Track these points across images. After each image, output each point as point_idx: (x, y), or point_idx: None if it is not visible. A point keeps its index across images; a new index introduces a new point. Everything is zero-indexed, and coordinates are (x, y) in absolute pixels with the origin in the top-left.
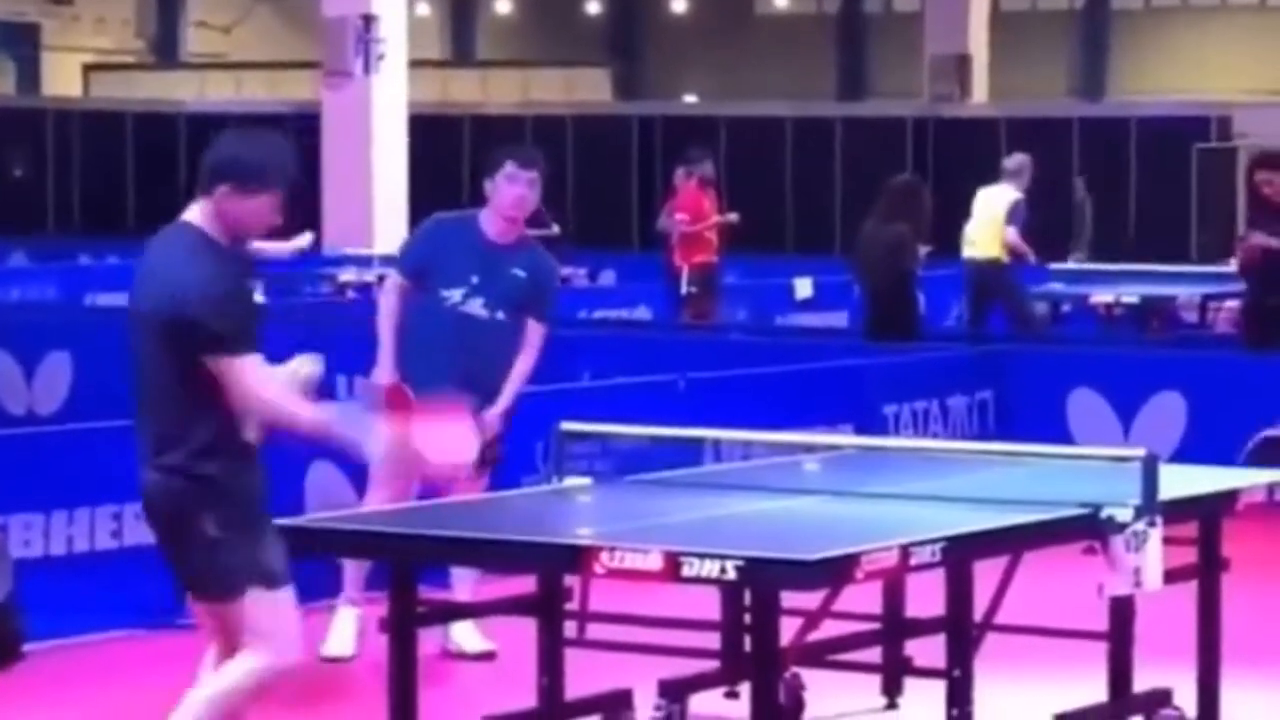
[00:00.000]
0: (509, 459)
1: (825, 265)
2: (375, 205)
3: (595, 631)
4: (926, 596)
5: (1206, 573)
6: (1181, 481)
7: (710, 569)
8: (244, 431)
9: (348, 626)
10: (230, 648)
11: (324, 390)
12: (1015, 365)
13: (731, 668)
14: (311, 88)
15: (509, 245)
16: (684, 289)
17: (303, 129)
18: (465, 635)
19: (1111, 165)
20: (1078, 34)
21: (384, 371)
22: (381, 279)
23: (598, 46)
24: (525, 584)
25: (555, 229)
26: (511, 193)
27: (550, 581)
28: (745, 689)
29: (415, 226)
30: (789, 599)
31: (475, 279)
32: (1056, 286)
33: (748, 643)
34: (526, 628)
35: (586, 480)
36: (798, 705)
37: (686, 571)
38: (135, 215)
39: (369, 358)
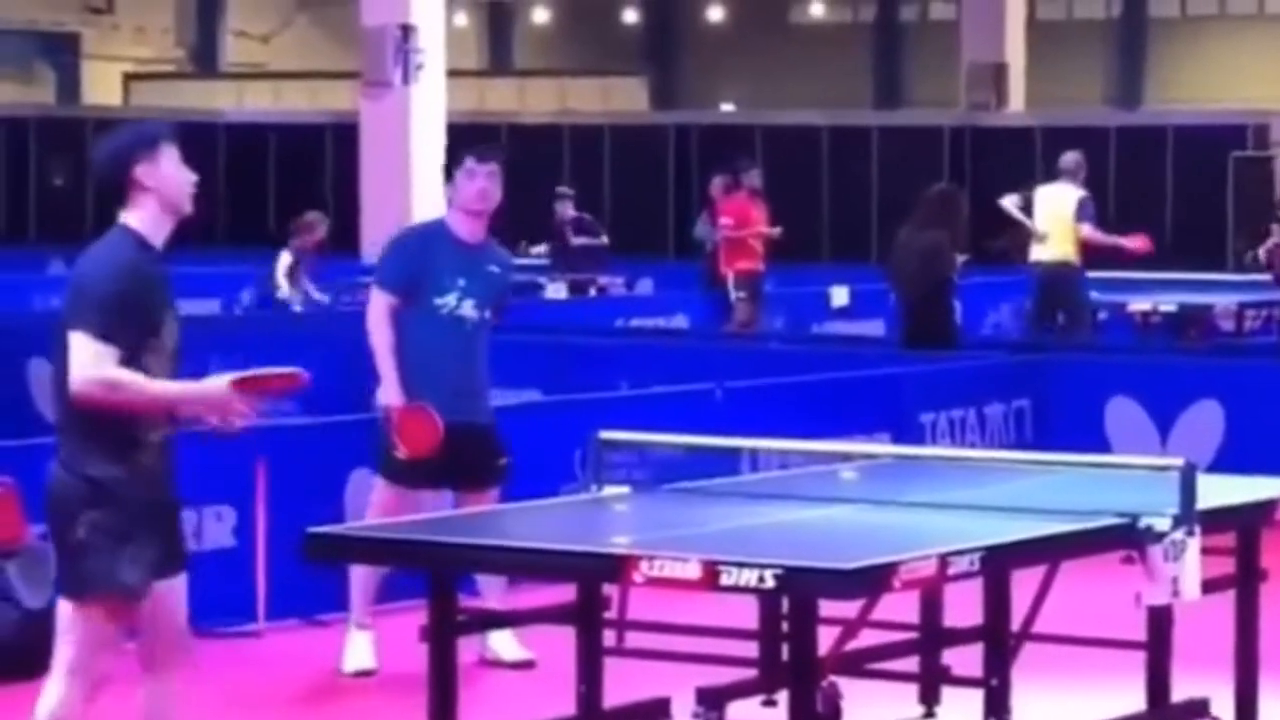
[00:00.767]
0: (548, 468)
1: (862, 274)
2: (414, 214)
3: (633, 640)
4: (964, 605)
5: (1244, 582)
6: (1219, 491)
7: (748, 578)
8: (141, 432)
9: (364, 642)
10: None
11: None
12: (1053, 374)
13: (769, 676)
14: (350, 97)
15: (480, 244)
16: (732, 295)
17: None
18: (504, 644)
19: (1148, 174)
20: (1114, 42)
21: (392, 392)
22: None
23: (634, 56)
24: (564, 592)
25: (604, 239)
26: (472, 187)
27: (589, 590)
28: (783, 697)
29: (389, 244)
30: (826, 608)
31: (462, 281)
32: (1094, 295)
33: (785, 651)
34: (565, 636)
35: (625, 489)
36: (835, 714)
37: (725, 580)
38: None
39: None
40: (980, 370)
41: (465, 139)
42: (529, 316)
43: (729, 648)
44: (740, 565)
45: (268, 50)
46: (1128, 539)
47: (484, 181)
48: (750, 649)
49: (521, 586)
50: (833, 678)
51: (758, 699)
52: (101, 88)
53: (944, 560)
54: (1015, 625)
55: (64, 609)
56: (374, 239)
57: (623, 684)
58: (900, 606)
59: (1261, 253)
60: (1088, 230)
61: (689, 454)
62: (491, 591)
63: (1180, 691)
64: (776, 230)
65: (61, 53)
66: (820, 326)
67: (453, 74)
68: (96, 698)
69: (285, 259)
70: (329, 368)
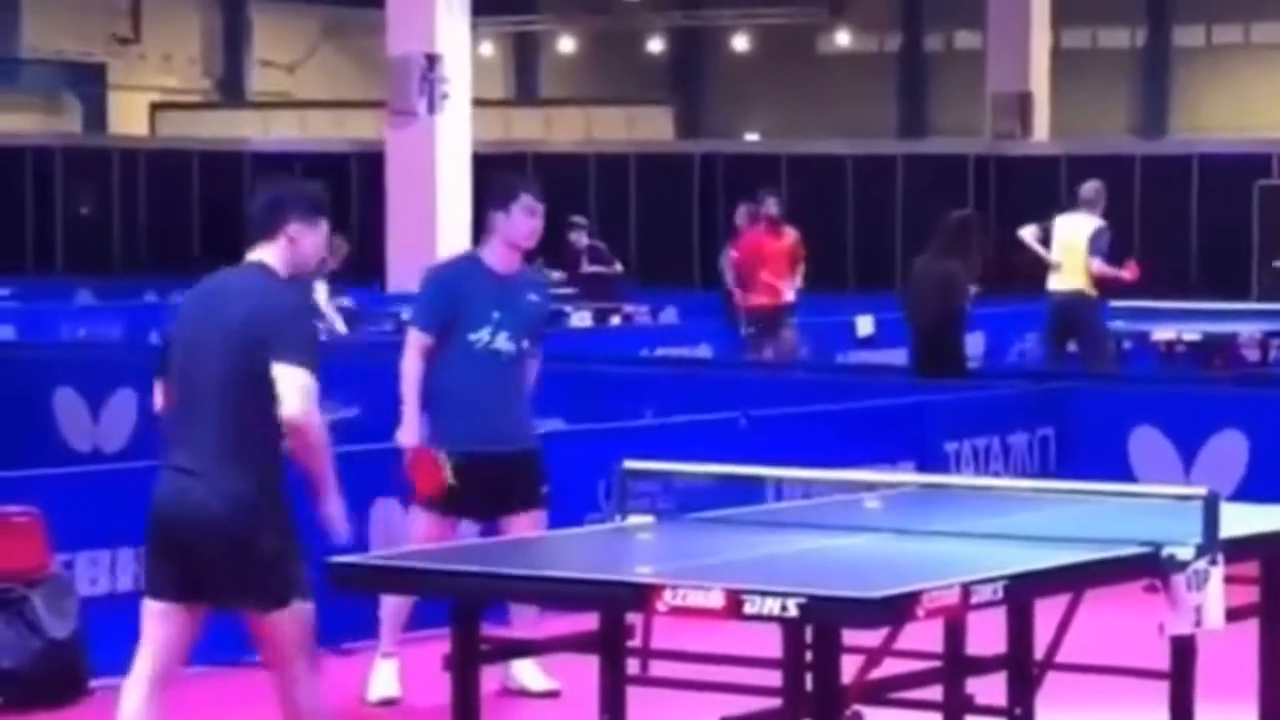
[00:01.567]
0: (572, 497)
1: (887, 303)
2: (439, 243)
3: (657, 669)
4: (988, 634)
5: (1268, 612)
6: (1243, 520)
7: (772, 607)
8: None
9: (389, 670)
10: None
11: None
12: (1077, 403)
13: (793, 705)
14: (376, 127)
15: (515, 273)
16: (743, 330)
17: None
18: (528, 673)
19: (1173, 202)
20: (1139, 71)
21: (410, 433)
22: None
23: (660, 85)
24: (587, 621)
25: (618, 267)
26: (530, 225)
27: (613, 619)
28: None
29: (423, 282)
30: (850, 636)
31: (496, 314)
32: (1118, 324)
33: (809, 680)
34: (589, 665)
35: (649, 518)
36: None
37: (748, 609)
38: (201, 253)
39: None
40: (1004, 399)
41: (490, 168)
42: (553, 345)
43: (753, 677)
44: (764, 594)
45: (293, 79)
46: (1151, 568)
47: (539, 221)
48: (774, 678)
49: (546, 615)
50: (856, 707)
51: None
52: (128, 117)
53: (967, 589)
54: (1039, 654)
55: (272, 622)
56: (399, 268)
57: (646, 713)
58: (924, 635)
59: None
60: (1096, 264)
61: (713, 483)
62: (523, 621)
63: None
64: (793, 282)
65: (88, 82)
66: (845, 356)
67: (478, 103)
68: None
69: (323, 289)
70: (355, 396)
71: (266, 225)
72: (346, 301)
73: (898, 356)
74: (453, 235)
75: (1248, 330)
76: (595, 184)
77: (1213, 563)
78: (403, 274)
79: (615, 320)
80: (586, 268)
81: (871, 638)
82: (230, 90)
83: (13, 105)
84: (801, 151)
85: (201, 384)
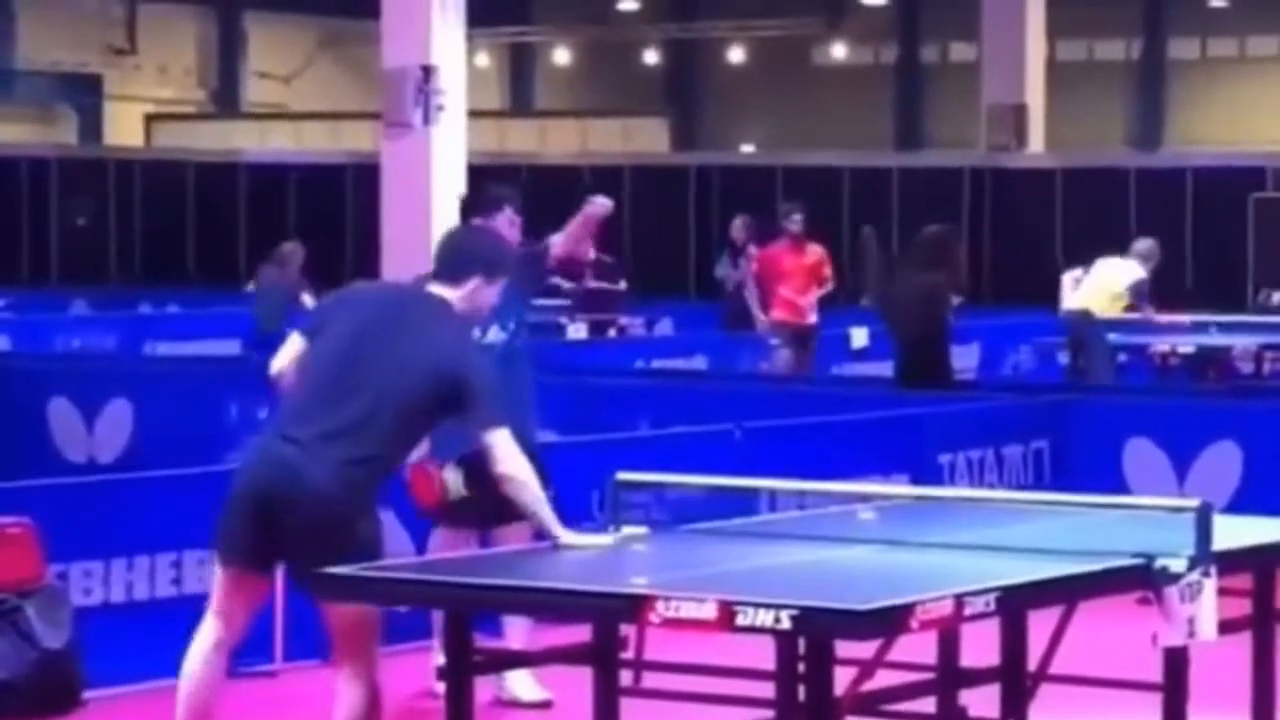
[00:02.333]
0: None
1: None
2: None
3: (650, 680)
4: (981, 646)
5: (1261, 624)
6: (1236, 532)
7: (764, 618)
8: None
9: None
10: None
11: None
12: (1071, 415)
13: (786, 717)
14: (371, 138)
15: None
16: (771, 341)
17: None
18: (521, 684)
19: (1168, 215)
20: (1134, 84)
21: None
22: None
23: (655, 96)
24: (580, 633)
25: (623, 285)
26: (513, 236)
27: (606, 630)
28: None
29: None
30: (843, 648)
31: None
32: (1113, 336)
33: (802, 692)
34: (582, 676)
35: (642, 529)
36: None
37: (741, 621)
38: (196, 265)
39: None
40: (998, 411)
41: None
42: (549, 357)
43: (746, 688)
44: (757, 606)
45: (289, 91)
46: (1144, 580)
47: (518, 233)
48: (767, 689)
49: (539, 626)
50: (850, 718)
51: None
52: (123, 128)
53: (960, 601)
54: (1032, 666)
55: (343, 615)
56: (394, 279)
57: None
58: (917, 647)
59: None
60: (1146, 310)
61: (707, 494)
62: (516, 632)
63: None
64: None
65: (83, 93)
66: (840, 368)
67: (474, 115)
68: None
69: (309, 301)
70: None
71: (454, 270)
72: None
73: (892, 369)
74: None
75: (1242, 343)
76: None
77: (1206, 575)
78: None
79: (611, 332)
80: (591, 282)
81: (865, 649)
82: (226, 101)
83: (8, 116)
84: (797, 163)
85: (367, 376)
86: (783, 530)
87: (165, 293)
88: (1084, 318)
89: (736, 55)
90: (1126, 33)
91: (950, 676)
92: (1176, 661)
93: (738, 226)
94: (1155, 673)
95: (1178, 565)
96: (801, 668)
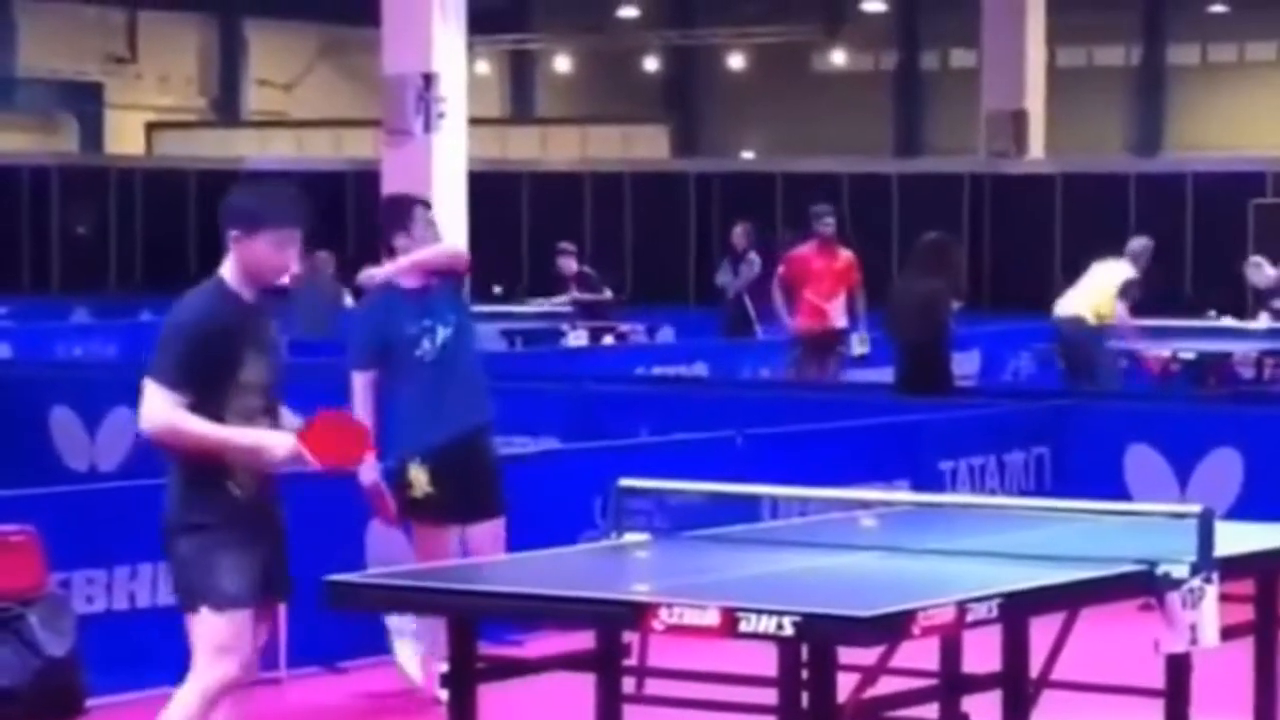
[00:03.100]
0: (568, 515)
1: (881, 322)
2: None
3: (653, 687)
4: (983, 652)
5: (1263, 629)
6: (1238, 538)
7: (767, 625)
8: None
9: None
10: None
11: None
12: (1072, 421)
13: None
14: (372, 145)
15: (425, 284)
16: (790, 351)
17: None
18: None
19: (1168, 221)
20: (1134, 90)
21: (369, 470)
22: None
23: (655, 103)
24: (583, 639)
25: (607, 294)
26: (434, 236)
27: (608, 637)
28: None
29: (361, 319)
30: (846, 655)
31: (426, 322)
32: (1113, 343)
33: (805, 699)
34: (585, 683)
35: (645, 536)
36: None
37: (744, 627)
38: (197, 273)
39: None
40: (1000, 418)
41: (486, 187)
42: (550, 364)
43: (748, 695)
44: (759, 612)
45: (290, 99)
46: (1146, 586)
47: (437, 231)
48: (770, 696)
49: (541, 633)
50: None
51: None
52: (124, 137)
53: (962, 607)
54: (1034, 672)
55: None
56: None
57: None
58: (919, 653)
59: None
60: (1120, 310)
61: (709, 501)
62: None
63: None
64: (843, 305)
65: (84, 102)
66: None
67: (474, 122)
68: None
69: (350, 302)
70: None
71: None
72: None
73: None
74: None
75: (1242, 349)
76: (591, 202)
77: (1208, 581)
78: None
79: (607, 339)
80: (575, 294)
81: (867, 656)
82: (226, 109)
83: (9, 125)
84: (797, 170)
85: None
86: (785, 537)
87: (166, 301)
88: (1075, 324)
89: (736, 62)
90: (1126, 39)
91: (953, 683)
92: (1179, 667)
93: (738, 233)
94: (1157, 679)
95: (1180, 571)
96: (804, 674)
